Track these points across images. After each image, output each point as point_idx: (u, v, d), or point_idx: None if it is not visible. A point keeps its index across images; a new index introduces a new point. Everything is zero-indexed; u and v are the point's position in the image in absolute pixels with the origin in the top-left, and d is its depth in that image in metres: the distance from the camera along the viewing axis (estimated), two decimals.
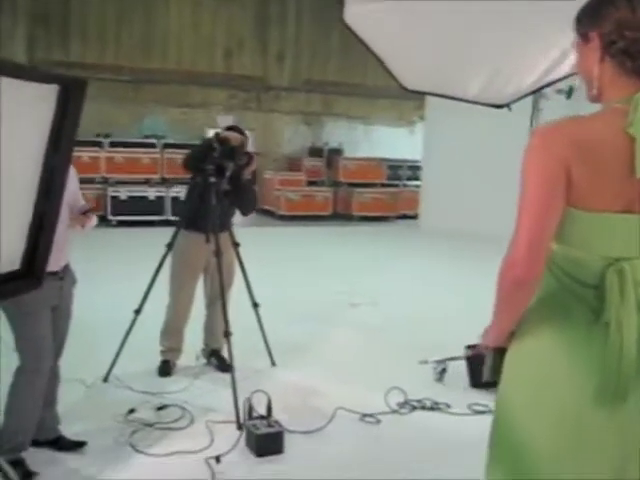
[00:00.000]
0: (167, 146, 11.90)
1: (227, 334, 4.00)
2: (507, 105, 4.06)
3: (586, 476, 1.67)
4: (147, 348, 4.58)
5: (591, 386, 1.65)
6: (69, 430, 3.52)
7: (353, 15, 3.79)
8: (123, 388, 4.25)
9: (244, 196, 4.51)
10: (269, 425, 3.54)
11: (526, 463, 1.72)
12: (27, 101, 2.55)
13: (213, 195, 4.16)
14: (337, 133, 14.18)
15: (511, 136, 10.07)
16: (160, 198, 11.38)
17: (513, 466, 1.76)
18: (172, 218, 11.17)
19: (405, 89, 4.10)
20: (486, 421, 4.06)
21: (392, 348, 5.40)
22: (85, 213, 3.32)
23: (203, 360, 4.77)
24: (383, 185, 13.98)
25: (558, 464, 1.69)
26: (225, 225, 4.31)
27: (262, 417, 3.59)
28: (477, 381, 4.53)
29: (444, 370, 4.71)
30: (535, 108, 4.27)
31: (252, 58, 13.16)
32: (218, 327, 4.70)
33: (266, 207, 12.62)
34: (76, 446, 3.44)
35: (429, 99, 12.68)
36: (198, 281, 4.63)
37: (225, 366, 4.64)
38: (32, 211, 2.73)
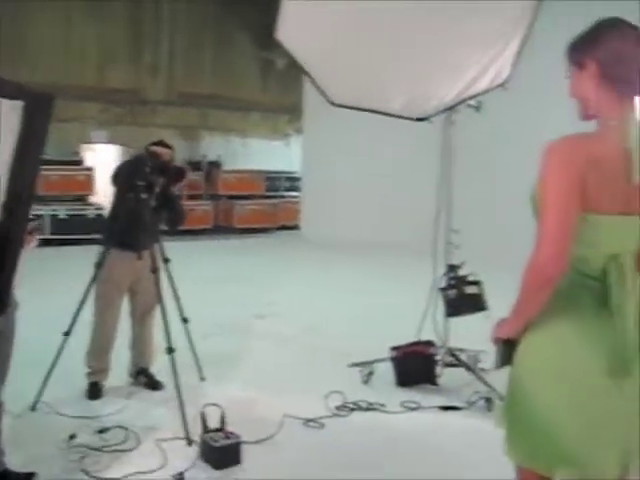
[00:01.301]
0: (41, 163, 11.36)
1: (170, 350, 3.97)
2: (427, 118, 4.35)
3: (601, 442, 1.92)
4: (69, 371, 4.41)
5: (601, 363, 1.90)
6: (10, 462, 3.35)
7: (285, 33, 3.93)
8: (54, 414, 4.08)
9: (173, 211, 4.50)
10: (226, 437, 3.56)
11: (546, 434, 1.94)
12: None
13: (146, 211, 4.12)
14: (214, 146, 14.15)
15: (396, 147, 10.59)
16: (38, 217, 10.85)
17: (534, 441, 1.97)
18: (51, 237, 10.71)
19: (333, 104, 4.27)
20: (419, 416, 4.33)
21: (311, 355, 5.54)
22: (30, 233, 3.20)
23: (129, 380, 4.68)
24: (262, 197, 14.11)
25: (576, 432, 1.92)
26: (156, 241, 4.27)
27: (217, 430, 3.61)
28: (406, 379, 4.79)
29: (371, 373, 4.90)
30: (447, 121, 4.56)
31: (125, 71, 12.87)
32: (147, 345, 4.66)
33: None
34: (26, 478, 3.29)
35: (306, 113, 12.99)
36: (123, 300, 4.55)
37: (155, 384, 4.60)
38: None
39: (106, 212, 11.68)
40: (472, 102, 4.50)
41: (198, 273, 9.00)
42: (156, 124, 13.16)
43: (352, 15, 4.01)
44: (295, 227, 13.89)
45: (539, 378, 1.96)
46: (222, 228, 13.44)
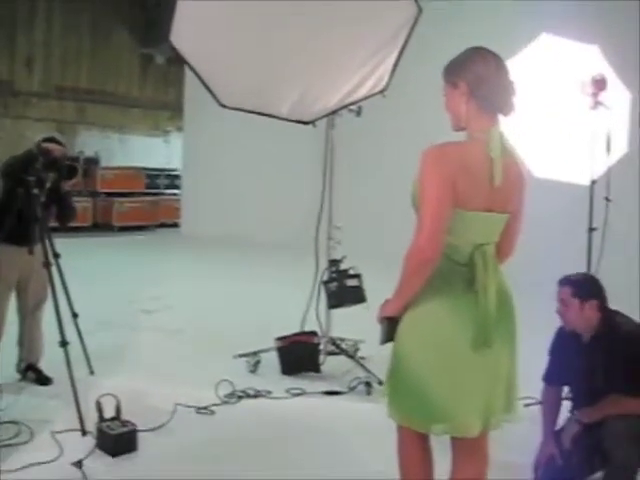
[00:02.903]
0: None
1: (64, 343, 4.03)
2: (312, 122, 4.64)
3: (467, 401, 2.27)
4: None
5: (468, 336, 2.25)
6: None
7: (179, 35, 4.09)
8: None
9: (64, 207, 4.54)
10: (122, 425, 3.69)
11: (422, 396, 2.28)
12: None
13: (38, 207, 4.15)
14: (92, 142, 13.85)
15: (279, 146, 10.84)
16: None
17: (411, 402, 2.32)
18: None
19: (223, 106, 4.47)
20: (304, 401, 4.60)
21: (199, 347, 5.70)
22: None
23: (17, 376, 4.66)
24: (142, 194, 13.98)
25: (447, 394, 2.26)
26: (47, 236, 4.29)
27: (113, 418, 3.72)
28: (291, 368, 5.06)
29: (258, 362, 5.13)
30: (330, 124, 4.89)
31: None
32: (36, 340, 4.66)
33: None
34: None
35: (187, 110, 13.02)
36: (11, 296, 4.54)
37: (44, 379, 4.62)
38: None
39: None
40: (353, 107, 4.84)
41: (80, 271, 8.85)
42: (30, 117, 12.76)
43: (243, 20, 4.24)
44: (175, 225, 13.88)
45: (416, 349, 2.30)
46: (101, 226, 13.22)
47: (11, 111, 12.67)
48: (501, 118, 2.34)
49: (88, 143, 13.86)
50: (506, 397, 2.36)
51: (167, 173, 14.84)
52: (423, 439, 2.43)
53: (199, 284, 8.52)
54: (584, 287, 3.29)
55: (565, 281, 3.31)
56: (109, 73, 13.92)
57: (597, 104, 4.47)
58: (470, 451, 2.38)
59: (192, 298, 7.66)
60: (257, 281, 8.71)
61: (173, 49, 4.15)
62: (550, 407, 3.42)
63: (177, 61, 12.92)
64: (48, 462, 3.47)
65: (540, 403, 3.56)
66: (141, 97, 14.59)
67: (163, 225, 14.15)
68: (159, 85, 14.68)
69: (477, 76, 2.26)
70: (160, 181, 14.70)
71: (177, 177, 14.47)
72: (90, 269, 9.19)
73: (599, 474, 3.30)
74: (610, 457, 3.06)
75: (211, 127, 11.58)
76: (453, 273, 2.28)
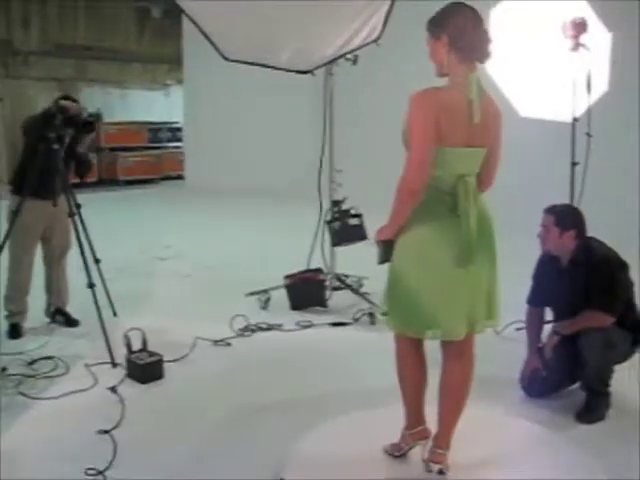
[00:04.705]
0: None
1: (91, 285, 4.40)
2: (311, 71, 4.93)
3: (454, 310, 2.68)
4: None
5: (452, 254, 2.63)
6: None
7: None
8: None
9: (82, 162, 4.86)
10: (150, 355, 4.08)
11: (416, 306, 2.68)
12: None
13: (60, 161, 4.47)
14: (93, 99, 13.98)
15: (278, 96, 11.02)
16: None
17: (407, 312, 2.73)
18: None
19: (226, 59, 4.74)
20: (312, 332, 4.98)
21: (213, 288, 6.10)
22: None
23: (46, 320, 5.05)
24: (146, 148, 14.22)
25: (436, 304, 2.66)
26: (68, 188, 4.62)
27: (141, 350, 4.12)
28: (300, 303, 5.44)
29: (268, 299, 5.51)
30: (328, 73, 5.18)
31: None
32: (62, 286, 5.04)
33: None
34: None
35: (187, 63, 13.19)
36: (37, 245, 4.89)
37: (72, 321, 5.01)
38: None
39: None
40: (349, 56, 5.12)
41: (91, 223, 9.21)
42: (30, 76, 12.91)
43: None
44: (179, 177, 14.16)
45: (409, 266, 2.70)
46: (106, 181, 13.49)
47: (11, 71, 12.83)
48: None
49: (89, 100, 13.97)
50: (487, 306, 2.75)
51: (169, 126, 15.03)
52: (417, 345, 2.83)
53: (206, 233, 8.86)
54: (566, 218, 3.64)
55: (550, 209, 3.69)
56: (106, 29, 14.00)
57: (578, 46, 4.71)
58: (458, 353, 2.78)
59: (201, 246, 8.02)
60: (262, 227, 9.06)
61: (173, 4, 4.40)
62: (534, 326, 3.85)
63: (173, 13, 13.01)
64: (85, 390, 3.87)
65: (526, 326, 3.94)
66: (139, 52, 14.69)
67: (167, 178, 14.43)
68: (156, 39, 14.76)
69: (457, 29, 2.59)
70: (162, 134, 14.89)
71: (179, 130, 14.67)
72: (100, 222, 9.47)
73: (579, 384, 3.70)
74: (586, 361, 3.45)
75: (211, 79, 11.75)
76: (439, 201, 2.65)
